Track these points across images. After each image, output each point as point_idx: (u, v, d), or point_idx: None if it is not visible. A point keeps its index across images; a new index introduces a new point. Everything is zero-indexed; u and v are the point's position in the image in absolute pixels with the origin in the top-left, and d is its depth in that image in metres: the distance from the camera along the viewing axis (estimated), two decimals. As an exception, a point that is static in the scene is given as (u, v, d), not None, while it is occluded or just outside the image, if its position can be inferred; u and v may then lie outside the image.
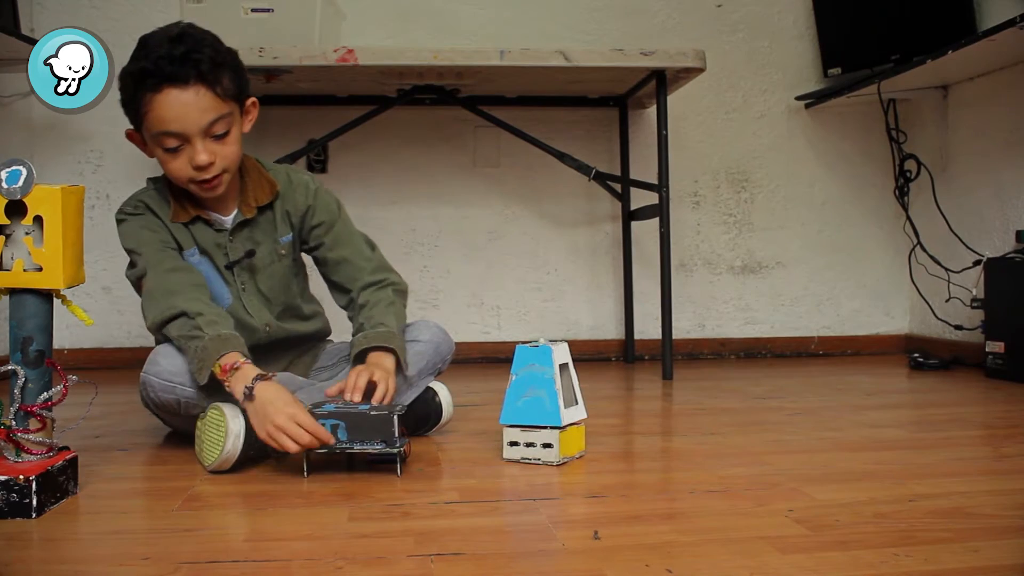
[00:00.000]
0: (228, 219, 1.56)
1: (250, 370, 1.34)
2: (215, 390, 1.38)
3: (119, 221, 1.55)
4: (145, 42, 1.43)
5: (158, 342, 1.49)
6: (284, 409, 1.29)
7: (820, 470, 1.35)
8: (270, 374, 1.36)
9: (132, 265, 1.52)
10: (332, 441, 1.31)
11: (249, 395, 1.31)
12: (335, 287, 1.65)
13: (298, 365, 1.69)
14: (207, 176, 1.45)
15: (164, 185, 1.55)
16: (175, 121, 1.40)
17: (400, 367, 1.51)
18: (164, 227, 1.53)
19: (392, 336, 1.51)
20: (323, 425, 1.30)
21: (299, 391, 1.52)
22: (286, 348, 1.66)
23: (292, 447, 1.28)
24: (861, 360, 2.86)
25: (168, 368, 1.41)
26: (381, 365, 1.47)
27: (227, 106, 1.45)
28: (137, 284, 1.51)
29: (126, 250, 1.53)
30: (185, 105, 1.40)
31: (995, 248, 2.52)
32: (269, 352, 1.61)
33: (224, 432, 1.31)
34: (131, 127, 1.48)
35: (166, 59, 1.38)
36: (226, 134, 1.46)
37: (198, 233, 1.55)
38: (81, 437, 1.52)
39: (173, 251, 1.52)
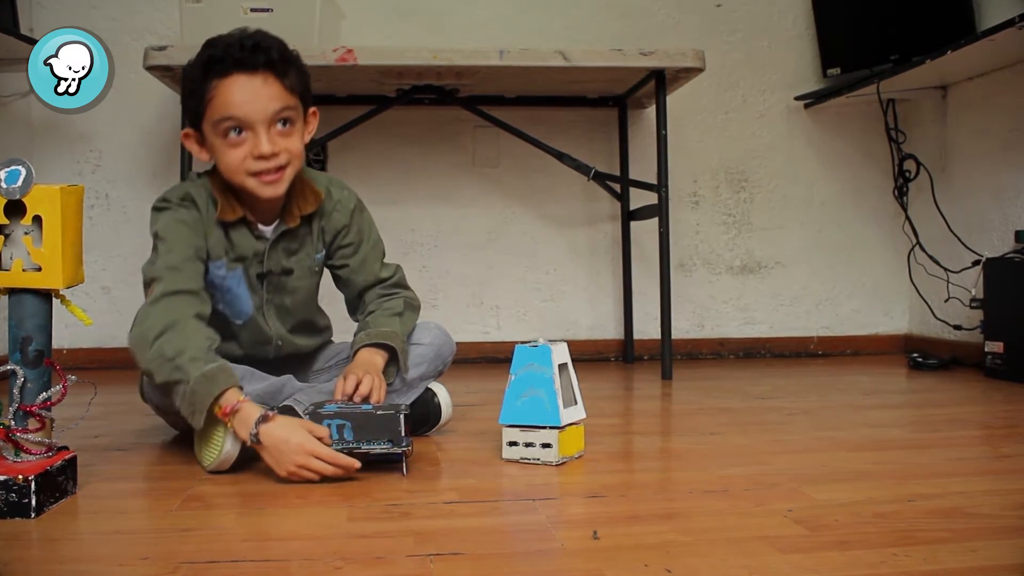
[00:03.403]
0: (269, 229, 1.50)
1: (251, 410, 1.27)
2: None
3: (158, 209, 1.46)
4: (213, 40, 1.42)
5: None
6: (300, 447, 1.25)
7: (819, 470, 1.35)
8: (271, 411, 1.30)
9: (152, 260, 1.43)
10: (357, 467, 1.27)
11: (256, 440, 1.26)
12: (349, 300, 1.64)
13: (298, 369, 1.68)
14: (269, 166, 1.40)
15: (213, 181, 1.48)
16: (240, 106, 1.37)
17: (398, 368, 1.51)
18: (202, 230, 1.45)
19: (393, 336, 1.51)
20: (328, 426, 1.30)
21: (299, 392, 1.53)
22: (290, 361, 1.64)
23: (316, 478, 1.25)
24: (860, 360, 2.86)
25: None
26: (371, 363, 1.47)
27: (293, 99, 1.42)
28: (147, 285, 1.42)
29: (153, 235, 1.44)
30: (253, 91, 1.38)
31: (994, 248, 2.51)
32: (273, 364, 1.59)
33: (223, 432, 1.30)
34: (187, 129, 1.45)
35: (236, 47, 1.38)
36: (291, 127, 1.43)
37: (238, 238, 1.48)
38: (80, 437, 1.52)
39: (197, 265, 1.43)
